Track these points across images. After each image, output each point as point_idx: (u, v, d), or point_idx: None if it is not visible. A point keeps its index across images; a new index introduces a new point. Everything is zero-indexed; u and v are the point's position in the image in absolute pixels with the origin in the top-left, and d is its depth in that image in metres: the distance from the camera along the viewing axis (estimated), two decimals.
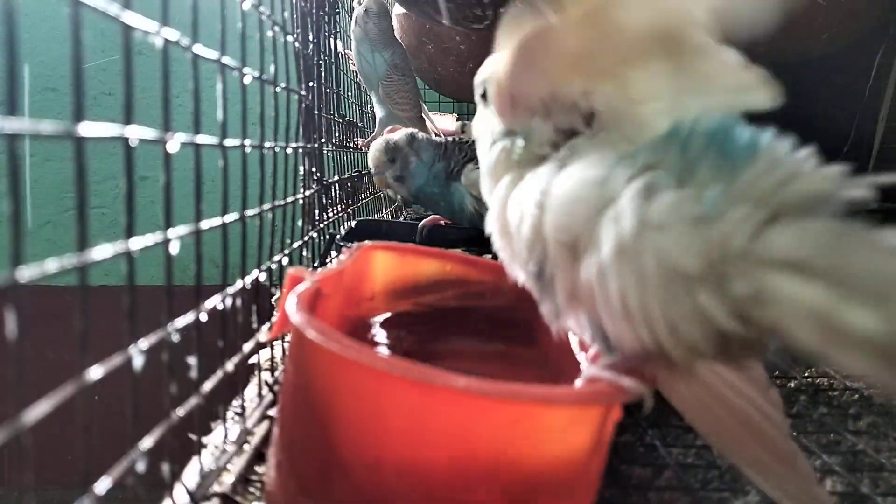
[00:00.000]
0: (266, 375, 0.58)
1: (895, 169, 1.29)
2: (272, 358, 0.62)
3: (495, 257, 0.69)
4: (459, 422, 0.32)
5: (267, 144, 0.55)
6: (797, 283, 0.30)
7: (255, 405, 0.53)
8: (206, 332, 0.41)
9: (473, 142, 1.02)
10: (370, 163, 1.06)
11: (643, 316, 0.33)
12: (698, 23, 0.38)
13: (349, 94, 1.49)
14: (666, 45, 0.38)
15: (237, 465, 0.44)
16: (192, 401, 0.40)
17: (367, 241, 0.56)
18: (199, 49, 0.40)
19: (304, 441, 0.36)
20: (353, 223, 1.16)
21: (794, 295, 0.30)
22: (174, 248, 0.37)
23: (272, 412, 0.53)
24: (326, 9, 1.12)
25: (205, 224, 0.41)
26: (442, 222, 1.08)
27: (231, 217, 0.45)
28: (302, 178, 0.79)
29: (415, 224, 1.08)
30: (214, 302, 0.44)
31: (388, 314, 0.56)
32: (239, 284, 0.50)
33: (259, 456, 0.47)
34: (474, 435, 0.32)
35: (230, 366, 0.47)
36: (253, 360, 0.54)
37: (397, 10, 1.79)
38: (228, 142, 0.44)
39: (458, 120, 1.94)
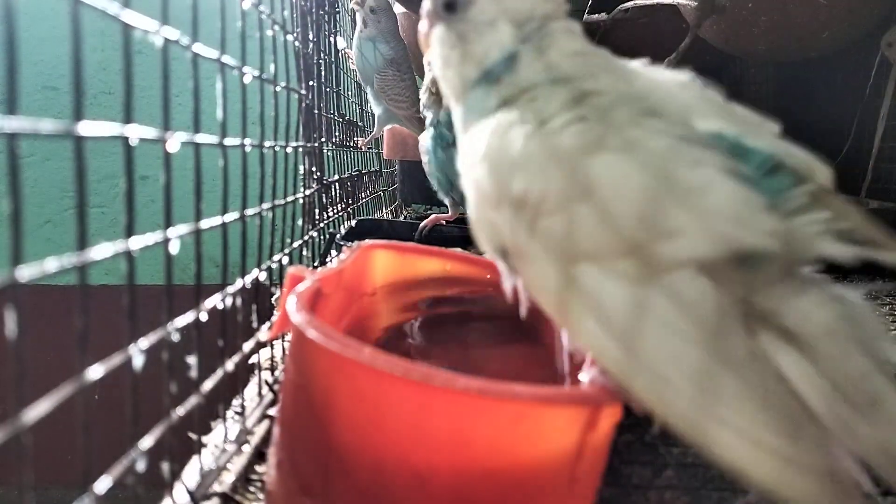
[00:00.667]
0: (266, 375, 0.57)
1: (895, 169, 1.29)
2: (272, 357, 0.62)
3: None
4: (459, 422, 0.32)
5: (267, 144, 0.55)
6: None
7: (255, 404, 0.53)
8: (206, 332, 0.41)
9: None
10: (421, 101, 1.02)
11: None
12: None
13: (349, 93, 1.49)
14: None
15: (237, 465, 0.44)
16: (192, 400, 0.40)
17: (367, 240, 0.56)
18: (198, 48, 0.39)
19: (305, 440, 0.36)
20: (354, 222, 1.16)
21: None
22: (174, 248, 0.37)
23: (272, 411, 0.53)
24: (326, 8, 1.12)
25: (205, 223, 0.41)
26: (442, 221, 1.08)
27: (231, 216, 0.45)
28: (302, 177, 0.79)
29: (415, 223, 1.08)
30: (214, 301, 0.44)
31: (392, 317, 0.56)
32: (239, 284, 0.50)
33: (259, 455, 0.47)
34: (474, 435, 0.32)
35: (230, 365, 0.47)
36: (253, 359, 0.54)
37: (398, 9, 1.79)
38: (228, 141, 0.44)
39: None
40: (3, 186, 0.24)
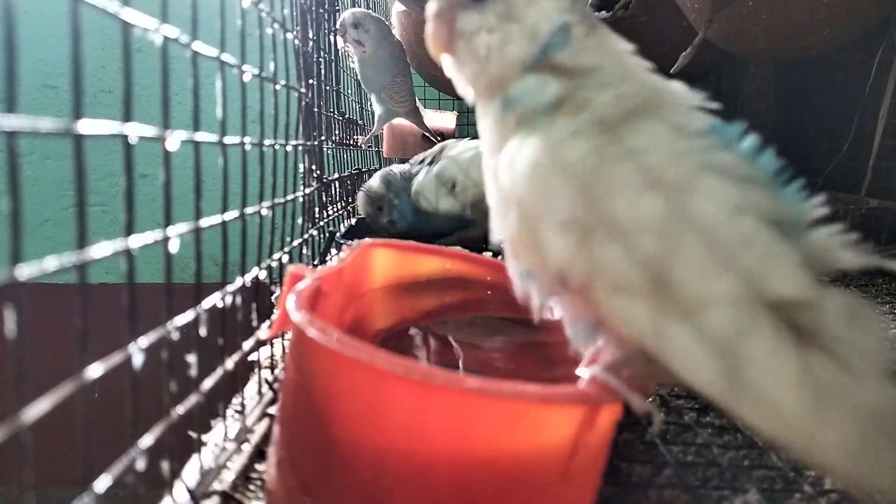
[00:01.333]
0: (266, 373, 0.57)
1: (895, 167, 1.29)
2: (272, 356, 0.62)
3: (495, 255, 0.69)
4: (458, 420, 0.32)
5: (267, 142, 0.55)
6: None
7: (255, 403, 0.53)
8: (206, 330, 0.41)
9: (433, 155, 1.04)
10: (362, 211, 1.09)
11: None
12: None
13: (349, 91, 1.49)
14: None
15: (237, 463, 0.44)
16: (192, 399, 0.40)
17: (367, 239, 0.56)
18: (198, 46, 0.39)
19: (305, 439, 0.36)
20: (353, 221, 1.16)
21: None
22: (174, 246, 0.37)
23: (272, 410, 0.53)
24: (326, 6, 1.12)
25: (204, 222, 0.41)
26: None
27: (231, 215, 0.45)
28: (302, 175, 0.79)
29: None
30: (214, 300, 0.44)
31: (391, 317, 0.56)
32: (239, 282, 0.50)
33: (259, 454, 0.47)
34: (473, 433, 0.32)
35: (230, 364, 0.47)
36: (253, 357, 0.54)
37: (397, 8, 1.78)
38: (228, 139, 0.44)
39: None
40: (3, 185, 0.24)
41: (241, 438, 0.47)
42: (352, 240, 0.88)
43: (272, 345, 0.62)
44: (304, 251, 0.77)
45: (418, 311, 0.58)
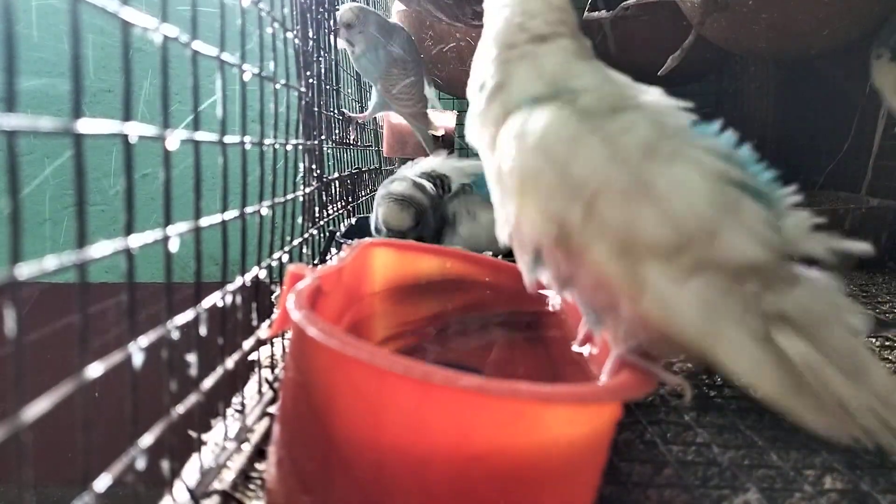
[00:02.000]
0: (266, 373, 0.57)
1: (895, 167, 1.29)
2: (272, 355, 0.62)
3: (495, 255, 0.69)
4: (458, 419, 0.32)
5: (267, 141, 0.55)
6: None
7: (255, 402, 0.53)
8: (206, 330, 0.41)
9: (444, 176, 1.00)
10: (393, 223, 0.96)
11: None
12: None
13: (349, 90, 1.49)
14: None
15: (237, 463, 0.44)
16: (192, 398, 0.40)
17: (367, 238, 0.56)
18: (198, 46, 0.39)
19: (305, 438, 0.36)
20: (354, 220, 1.16)
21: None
22: (174, 246, 0.37)
23: (272, 409, 0.53)
24: (326, 5, 1.12)
25: (204, 221, 0.41)
26: None
27: (231, 214, 0.45)
28: (302, 175, 0.79)
29: None
30: (214, 299, 0.44)
31: (391, 318, 0.56)
32: (239, 282, 0.50)
33: (259, 453, 0.47)
34: (473, 432, 0.32)
35: (230, 363, 0.47)
36: (253, 357, 0.54)
37: (397, 7, 1.78)
38: (228, 139, 0.44)
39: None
40: (3, 184, 0.24)
41: (241, 438, 0.47)
42: (352, 239, 0.88)
43: (272, 344, 0.62)
44: (305, 250, 0.77)
45: (418, 316, 0.57)
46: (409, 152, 1.65)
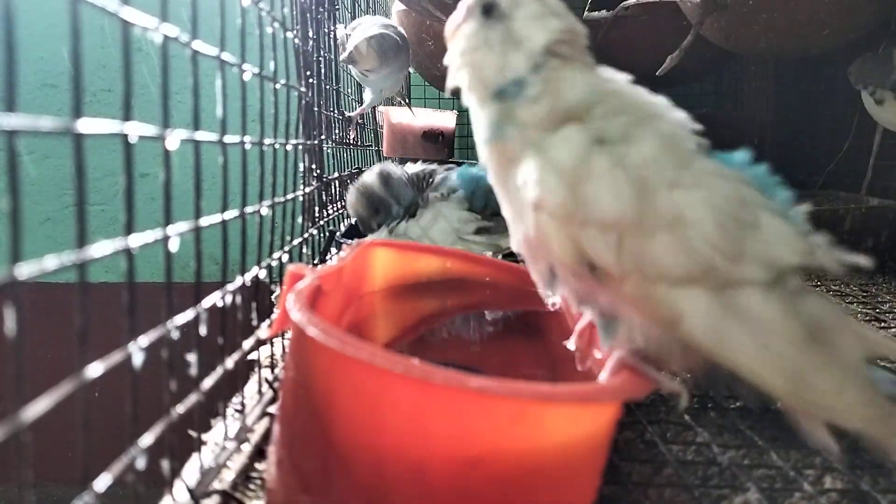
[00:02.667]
0: (266, 372, 0.57)
1: (895, 167, 1.29)
2: (272, 355, 0.62)
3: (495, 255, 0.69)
4: (458, 419, 0.32)
5: (267, 141, 0.55)
6: None
7: (255, 402, 0.53)
8: (206, 329, 0.41)
9: (432, 171, 1.00)
10: (350, 210, 0.99)
11: None
12: None
13: (349, 90, 1.48)
14: None
15: (237, 462, 0.44)
16: (192, 398, 0.40)
17: (367, 238, 0.56)
18: (198, 45, 0.39)
19: (305, 438, 0.36)
20: (353, 220, 1.15)
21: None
22: (174, 245, 0.37)
23: (272, 409, 0.53)
24: (326, 5, 1.12)
25: (204, 221, 0.41)
26: None
27: (231, 214, 0.45)
28: (302, 174, 0.79)
29: None
30: (214, 299, 0.44)
31: (392, 319, 0.56)
32: (239, 281, 0.50)
33: (259, 453, 0.47)
34: (473, 432, 0.32)
35: (230, 363, 0.47)
36: (253, 356, 0.54)
37: (397, 7, 1.78)
38: (228, 138, 0.44)
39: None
40: (3, 184, 0.24)
41: (241, 437, 0.47)
42: (352, 239, 0.88)
43: (272, 344, 0.62)
44: (304, 250, 0.77)
45: (419, 316, 0.57)
46: (409, 152, 1.65)
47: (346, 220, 1.19)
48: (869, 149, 1.40)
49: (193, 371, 0.40)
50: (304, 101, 0.83)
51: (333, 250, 0.98)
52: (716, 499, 0.44)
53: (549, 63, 0.44)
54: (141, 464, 0.33)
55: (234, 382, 0.50)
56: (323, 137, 0.98)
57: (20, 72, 0.24)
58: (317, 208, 0.91)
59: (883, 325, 0.85)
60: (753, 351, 0.38)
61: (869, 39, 1.36)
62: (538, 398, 0.32)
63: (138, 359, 0.32)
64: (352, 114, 1.43)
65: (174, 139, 0.35)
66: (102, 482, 0.29)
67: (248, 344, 0.51)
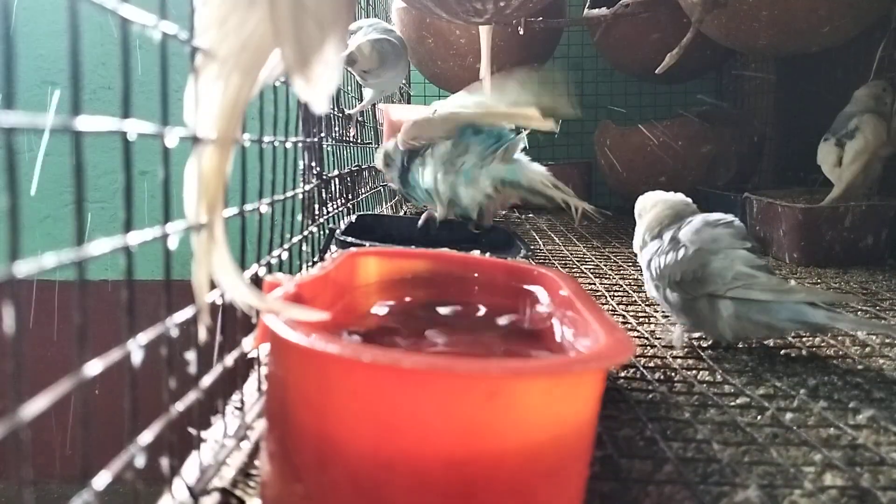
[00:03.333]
0: (265, 370, 0.57)
1: (894, 165, 1.28)
2: None
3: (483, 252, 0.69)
4: (430, 404, 0.31)
5: (266, 139, 0.55)
6: None
7: (254, 400, 0.53)
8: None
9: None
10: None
11: None
12: None
13: (349, 88, 1.48)
14: None
15: (237, 460, 0.44)
16: (192, 395, 0.40)
17: (351, 249, 0.56)
18: (198, 43, 0.39)
19: (291, 431, 0.36)
20: (354, 217, 1.15)
21: None
22: (173, 243, 0.37)
23: None
24: None
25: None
26: (435, 215, 1.07)
27: (230, 212, 0.45)
28: (301, 172, 0.79)
29: (415, 218, 1.07)
30: (214, 297, 0.44)
31: (381, 316, 0.56)
32: None
33: (259, 450, 0.47)
34: (445, 418, 0.31)
35: (230, 360, 0.47)
36: (252, 354, 0.54)
37: (396, 4, 1.78)
38: None
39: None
40: (2, 182, 0.24)
41: (240, 435, 0.47)
42: (352, 237, 0.88)
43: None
44: (304, 248, 0.77)
45: (403, 310, 0.57)
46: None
47: (345, 217, 1.19)
48: None
49: (193, 369, 0.40)
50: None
51: (333, 247, 0.98)
52: (716, 496, 0.44)
53: None
54: (140, 461, 0.33)
55: (233, 380, 0.50)
56: (323, 135, 0.98)
57: (19, 69, 0.24)
58: (317, 206, 0.91)
59: (883, 322, 0.85)
60: None
61: (869, 37, 1.36)
62: (509, 374, 0.31)
63: (137, 356, 0.32)
64: (352, 111, 1.43)
65: (173, 137, 0.35)
66: (101, 480, 0.29)
67: (247, 342, 0.51)
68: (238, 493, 0.41)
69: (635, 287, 1.02)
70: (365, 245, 0.79)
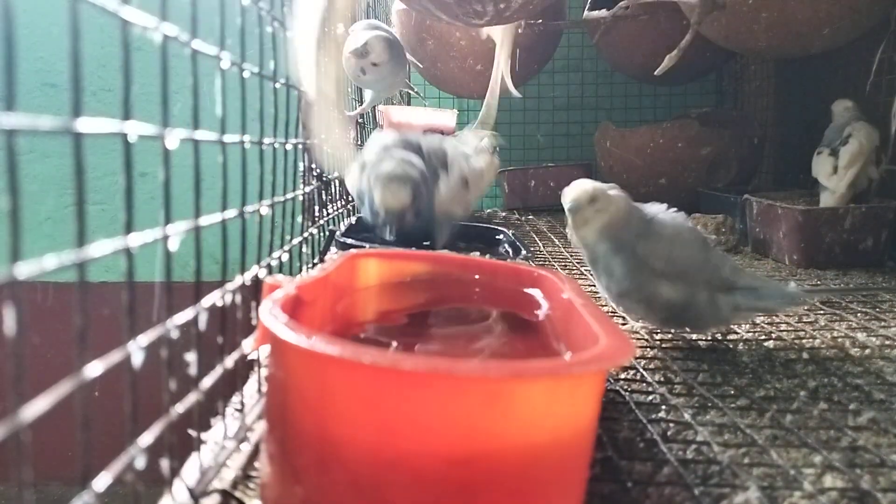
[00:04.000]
0: (265, 372, 0.57)
1: (894, 165, 1.28)
2: None
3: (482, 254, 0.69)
4: (430, 405, 0.31)
5: (266, 140, 0.55)
6: None
7: (254, 401, 0.53)
8: (205, 329, 0.41)
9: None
10: (390, 204, 0.82)
11: None
12: None
13: (349, 90, 1.48)
14: None
15: (237, 461, 0.44)
16: (192, 397, 0.40)
17: (352, 250, 0.56)
18: (197, 44, 0.39)
19: (290, 433, 0.36)
20: (354, 219, 1.15)
21: None
22: (173, 245, 0.37)
23: None
24: None
25: (204, 220, 0.41)
26: None
27: (231, 213, 0.45)
28: (302, 174, 0.79)
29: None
30: (214, 298, 0.44)
31: (380, 319, 0.56)
32: (239, 280, 0.50)
33: (259, 452, 0.47)
34: (446, 421, 0.31)
35: (230, 362, 0.47)
36: (252, 356, 0.54)
37: (397, 6, 1.78)
38: (228, 138, 0.44)
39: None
40: (3, 183, 0.24)
41: (240, 437, 0.47)
42: (352, 238, 0.88)
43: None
44: (304, 249, 0.77)
45: (402, 312, 0.57)
46: None
47: (345, 219, 1.19)
48: None
49: (193, 370, 0.40)
50: (303, 100, 0.83)
51: (333, 249, 0.98)
52: (716, 498, 0.44)
53: None
54: (140, 463, 0.33)
55: (233, 382, 0.50)
56: (323, 136, 0.98)
57: (20, 71, 0.24)
58: (317, 207, 0.91)
59: (883, 323, 0.85)
60: None
61: (869, 38, 1.36)
62: (509, 375, 0.31)
63: (138, 358, 0.32)
64: (352, 113, 1.43)
65: (174, 138, 0.35)
66: (102, 481, 0.29)
67: (247, 343, 0.51)
68: (238, 494, 0.41)
69: None
70: (365, 247, 0.79)
